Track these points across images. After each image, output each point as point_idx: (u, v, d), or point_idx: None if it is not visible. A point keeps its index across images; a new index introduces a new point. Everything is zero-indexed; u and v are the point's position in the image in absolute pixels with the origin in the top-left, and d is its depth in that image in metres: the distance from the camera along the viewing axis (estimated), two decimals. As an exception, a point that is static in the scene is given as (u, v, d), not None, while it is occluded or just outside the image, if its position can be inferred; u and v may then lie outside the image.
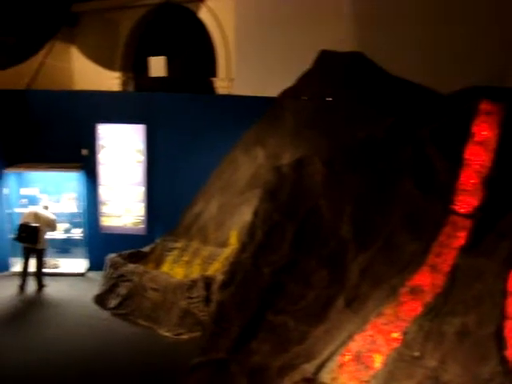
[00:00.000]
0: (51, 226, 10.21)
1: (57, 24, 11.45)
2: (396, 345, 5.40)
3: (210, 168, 10.03)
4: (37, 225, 9.93)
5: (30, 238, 9.93)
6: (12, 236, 10.26)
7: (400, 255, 5.92)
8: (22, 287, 10.28)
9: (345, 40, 9.69)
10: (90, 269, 11.25)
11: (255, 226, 7.07)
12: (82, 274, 11.15)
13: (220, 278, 8.05)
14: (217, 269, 9.11)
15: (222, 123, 10.05)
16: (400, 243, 5.98)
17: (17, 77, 11.73)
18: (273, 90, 9.99)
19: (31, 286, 10.37)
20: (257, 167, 9.30)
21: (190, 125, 10.35)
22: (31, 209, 10.24)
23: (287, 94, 9.95)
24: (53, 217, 10.27)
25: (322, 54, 9.81)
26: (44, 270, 10.47)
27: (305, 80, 9.71)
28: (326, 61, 9.56)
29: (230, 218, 9.58)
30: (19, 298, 10.13)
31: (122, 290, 9.55)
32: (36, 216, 10.06)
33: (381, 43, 9.53)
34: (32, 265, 10.32)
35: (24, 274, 10.25)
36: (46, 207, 10.38)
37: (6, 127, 10.81)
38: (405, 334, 5.40)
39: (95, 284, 10.33)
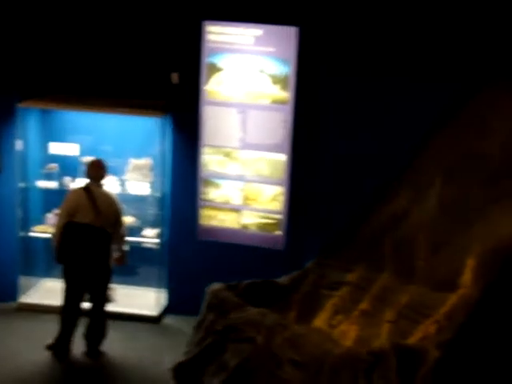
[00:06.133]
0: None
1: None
2: None
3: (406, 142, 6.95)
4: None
5: None
6: None
7: None
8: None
9: None
10: (169, 309, 7.96)
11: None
12: (154, 319, 7.79)
13: (434, 353, 5.50)
14: (428, 333, 6.15)
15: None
16: None
17: None
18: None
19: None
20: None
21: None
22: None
23: None
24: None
25: None
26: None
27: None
28: None
29: (464, 229, 6.50)
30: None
31: (232, 357, 6.37)
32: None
33: None
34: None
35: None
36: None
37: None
38: None
39: (177, 340, 7.37)
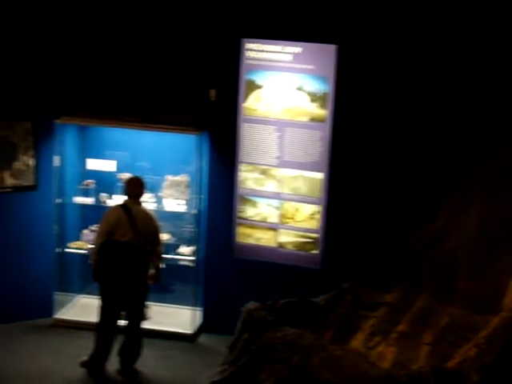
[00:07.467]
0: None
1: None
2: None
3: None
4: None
5: None
6: None
7: None
8: None
9: None
10: (204, 328, 7.82)
11: None
12: (189, 337, 7.59)
13: (474, 377, 5.48)
14: (468, 356, 5.93)
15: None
16: None
17: None
18: None
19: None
20: None
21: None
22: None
23: None
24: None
25: None
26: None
27: None
28: None
29: (506, 250, 6.35)
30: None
31: (267, 377, 6.22)
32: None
33: None
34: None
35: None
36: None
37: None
38: None
39: (211, 359, 7.13)
